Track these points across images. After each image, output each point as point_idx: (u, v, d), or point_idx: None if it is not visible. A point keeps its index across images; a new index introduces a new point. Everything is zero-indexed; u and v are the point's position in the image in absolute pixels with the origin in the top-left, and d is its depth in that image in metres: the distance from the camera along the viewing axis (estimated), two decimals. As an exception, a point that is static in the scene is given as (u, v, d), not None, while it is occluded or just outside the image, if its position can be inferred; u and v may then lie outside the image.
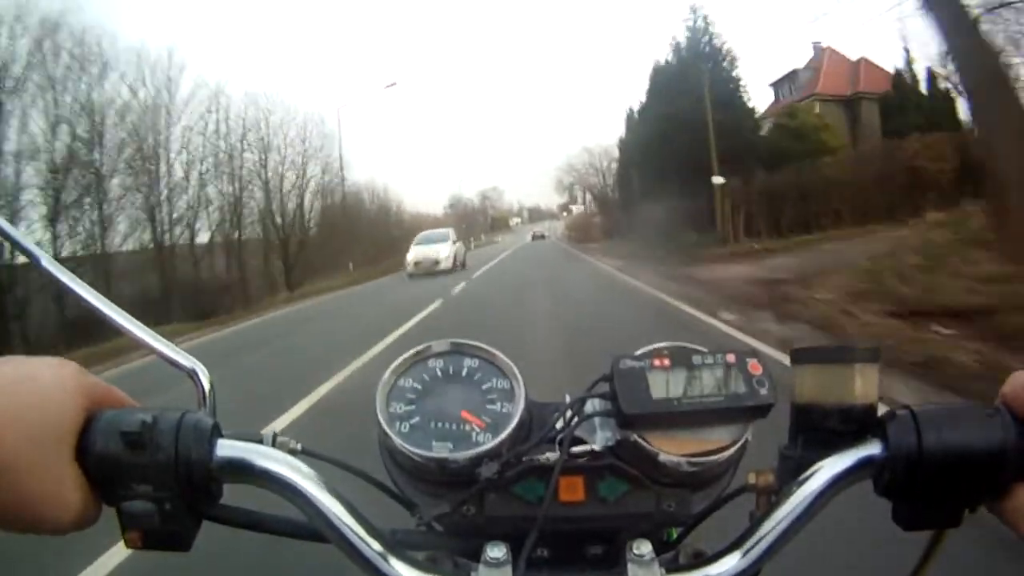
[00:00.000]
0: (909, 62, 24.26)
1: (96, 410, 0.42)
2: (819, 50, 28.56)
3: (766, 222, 20.75)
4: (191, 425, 0.42)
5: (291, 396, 4.99)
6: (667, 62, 25.33)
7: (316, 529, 0.45)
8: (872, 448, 0.44)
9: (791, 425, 0.48)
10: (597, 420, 0.51)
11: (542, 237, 63.47)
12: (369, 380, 0.53)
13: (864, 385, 0.46)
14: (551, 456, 0.48)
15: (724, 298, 8.92)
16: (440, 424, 0.50)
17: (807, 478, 0.45)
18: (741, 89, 23.95)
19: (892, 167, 19.20)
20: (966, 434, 0.42)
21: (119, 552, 2.53)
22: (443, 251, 20.18)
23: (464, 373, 0.54)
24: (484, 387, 0.53)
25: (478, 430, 0.50)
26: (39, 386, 0.39)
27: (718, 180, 20.68)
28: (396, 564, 0.44)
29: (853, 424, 0.46)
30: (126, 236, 20.57)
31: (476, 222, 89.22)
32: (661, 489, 0.50)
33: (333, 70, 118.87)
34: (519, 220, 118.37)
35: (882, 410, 0.46)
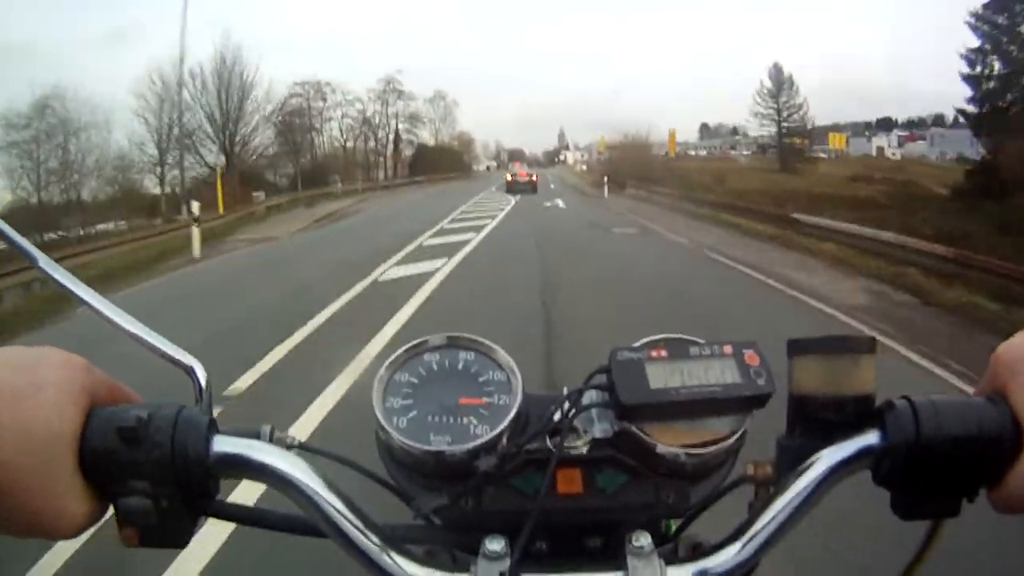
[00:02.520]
0: None
1: (95, 407, 0.41)
2: None
3: None
4: (188, 421, 0.42)
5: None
6: None
7: (314, 524, 0.45)
8: (870, 438, 0.45)
9: (788, 416, 0.48)
10: (595, 412, 0.50)
11: (528, 186, 32.03)
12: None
13: (861, 375, 0.46)
14: (549, 448, 0.48)
15: None
16: (437, 418, 0.50)
17: (805, 468, 0.45)
18: None
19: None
20: (964, 423, 0.42)
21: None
22: None
23: (460, 366, 0.53)
24: (481, 380, 0.53)
25: (475, 423, 0.50)
26: (46, 396, 0.39)
27: None
28: (394, 558, 0.44)
29: (851, 414, 0.46)
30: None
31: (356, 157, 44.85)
32: (660, 480, 0.50)
33: None
34: (494, 164, 78.37)
35: (879, 400, 0.46)
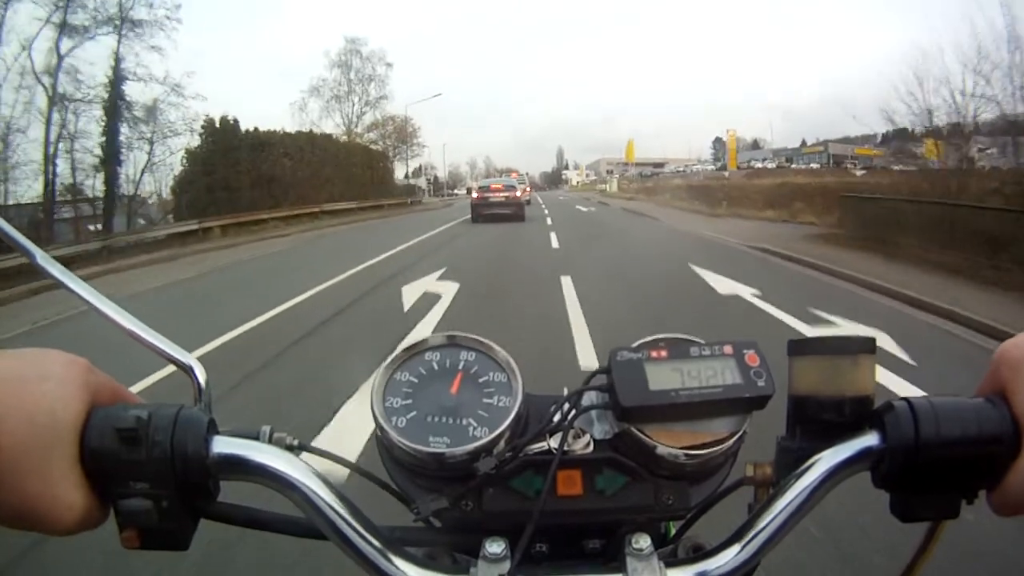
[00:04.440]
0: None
1: (95, 406, 0.42)
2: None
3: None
4: (187, 421, 0.42)
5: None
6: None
7: (313, 526, 0.45)
8: (870, 439, 0.45)
9: (788, 417, 0.48)
10: (595, 413, 0.50)
11: (509, 209, 19.42)
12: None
13: (861, 376, 0.46)
14: (549, 450, 0.48)
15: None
16: (437, 418, 0.50)
17: (805, 470, 0.45)
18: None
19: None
20: (963, 425, 0.42)
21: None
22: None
23: (461, 366, 0.53)
24: (481, 380, 0.52)
25: (475, 424, 0.50)
26: (49, 387, 0.39)
27: None
28: (394, 560, 0.44)
29: (850, 415, 0.46)
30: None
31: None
32: (659, 482, 0.50)
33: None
34: (477, 183, 32.48)
35: (879, 401, 0.46)
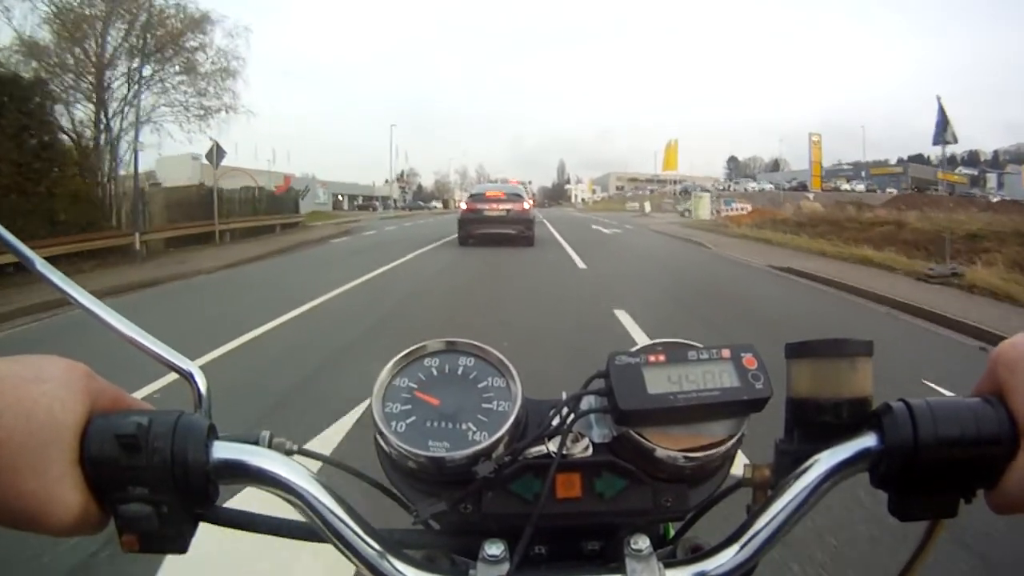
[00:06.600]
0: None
1: (96, 413, 0.42)
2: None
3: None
4: (187, 427, 0.42)
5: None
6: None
7: (313, 529, 0.45)
8: (868, 440, 0.45)
9: (786, 419, 0.49)
10: (593, 417, 0.51)
11: (509, 226, 14.98)
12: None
13: (859, 378, 0.46)
14: (548, 454, 0.49)
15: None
16: (436, 423, 0.50)
17: (803, 471, 0.45)
18: None
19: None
20: (961, 425, 0.43)
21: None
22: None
23: (460, 372, 0.54)
24: (480, 385, 0.53)
25: (474, 429, 0.50)
26: (48, 388, 0.40)
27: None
28: (393, 563, 0.44)
29: (848, 417, 0.46)
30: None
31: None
32: (658, 485, 0.50)
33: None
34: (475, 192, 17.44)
35: (876, 403, 0.46)
